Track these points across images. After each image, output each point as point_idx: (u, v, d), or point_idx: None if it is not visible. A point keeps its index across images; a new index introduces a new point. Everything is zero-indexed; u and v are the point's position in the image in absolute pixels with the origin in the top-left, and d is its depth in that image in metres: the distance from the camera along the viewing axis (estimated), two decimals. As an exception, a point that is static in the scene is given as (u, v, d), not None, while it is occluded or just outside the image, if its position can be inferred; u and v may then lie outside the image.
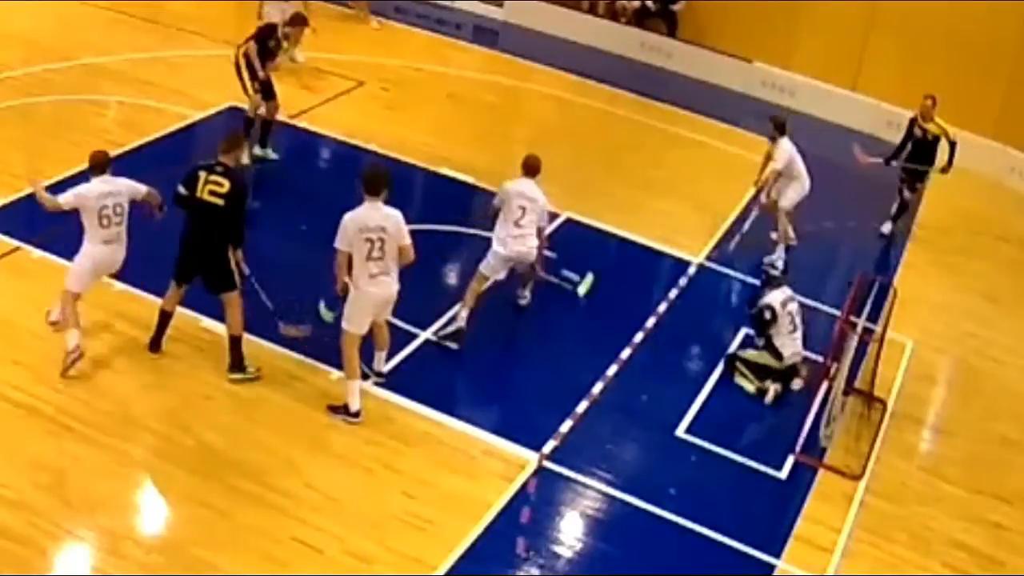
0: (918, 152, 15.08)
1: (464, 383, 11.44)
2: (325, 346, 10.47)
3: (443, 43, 19.95)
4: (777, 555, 9.58)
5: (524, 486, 9.79)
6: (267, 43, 14.20)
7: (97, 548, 8.50)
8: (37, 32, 16.77)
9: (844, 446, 10.99)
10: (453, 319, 11.52)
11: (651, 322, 12.49)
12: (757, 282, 12.51)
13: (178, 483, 9.17)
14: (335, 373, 10.45)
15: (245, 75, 14.10)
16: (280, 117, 14.75)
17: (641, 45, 20.57)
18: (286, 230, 12.68)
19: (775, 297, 11.58)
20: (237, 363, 10.30)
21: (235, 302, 10.17)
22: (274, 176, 14.17)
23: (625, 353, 11.82)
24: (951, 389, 12.88)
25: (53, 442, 9.30)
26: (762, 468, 10.57)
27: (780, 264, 11.72)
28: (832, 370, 11.25)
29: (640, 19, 20.83)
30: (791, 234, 14.25)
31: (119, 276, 10.88)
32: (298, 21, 14.66)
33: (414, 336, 11.32)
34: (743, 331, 12.29)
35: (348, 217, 9.73)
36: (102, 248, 10.13)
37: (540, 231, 11.69)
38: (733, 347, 12.06)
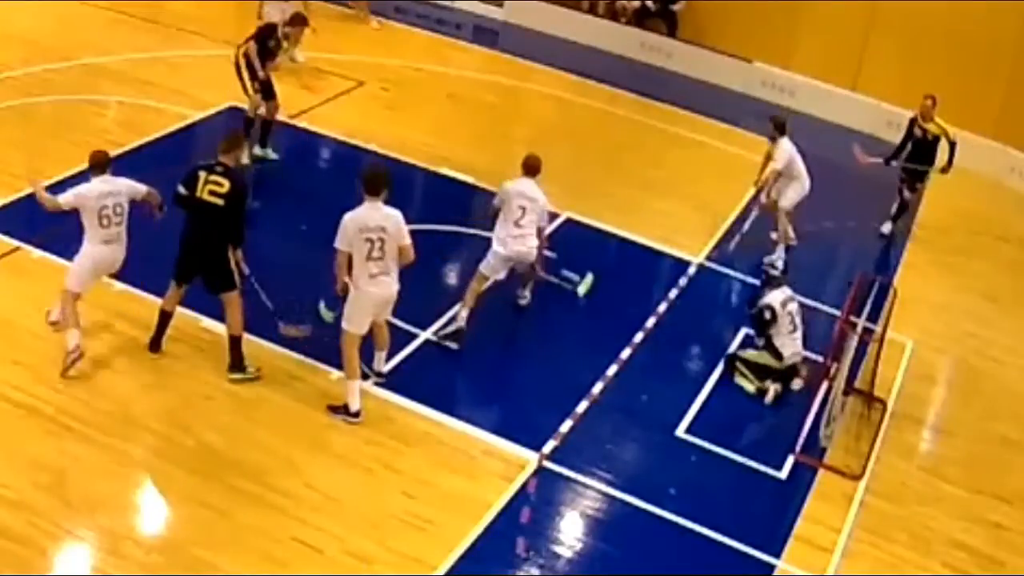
0: (918, 152, 15.09)
1: (464, 383, 11.44)
2: (325, 346, 10.47)
3: (443, 43, 19.96)
4: (777, 555, 9.58)
5: (524, 486, 9.79)
6: (267, 43, 14.21)
7: (97, 548, 8.50)
8: (37, 32, 16.77)
9: (844, 446, 10.99)
10: (453, 319, 11.51)
11: (651, 322, 12.49)
12: (757, 282, 12.51)
13: (178, 483, 9.17)
14: (335, 373, 10.45)
15: (245, 75, 14.10)
16: (280, 117, 14.75)
17: (641, 45, 20.57)
18: (286, 230, 12.68)
19: (775, 297, 11.58)
20: (237, 363, 10.30)
21: (235, 302, 10.17)
22: (274, 176, 14.17)
23: (625, 353, 11.82)
24: (951, 389, 12.88)
25: (53, 442, 9.30)
26: (762, 468, 10.57)
27: (780, 264, 11.74)
28: (832, 370, 11.25)
29: (640, 19, 20.83)
30: (791, 234, 14.25)
31: (119, 276, 10.89)
32: (298, 21, 14.66)
33: (414, 336, 11.32)
34: (743, 331, 12.29)
35: (348, 217, 9.73)
36: (102, 248, 10.13)
37: (540, 231, 11.69)
38: (733, 347, 12.06)
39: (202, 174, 9.88)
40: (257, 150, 14.20)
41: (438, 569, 8.76)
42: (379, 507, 9.27)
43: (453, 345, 11.31)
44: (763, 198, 14.26)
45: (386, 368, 10.61)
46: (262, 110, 14.26)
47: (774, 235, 14.23)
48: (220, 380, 10.27)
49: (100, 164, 10.20)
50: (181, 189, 9.92)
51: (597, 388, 11.19)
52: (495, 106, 17.94)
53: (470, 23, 21.21)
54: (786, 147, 13.89)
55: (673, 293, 13.18)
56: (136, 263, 10.65)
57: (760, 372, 11.51)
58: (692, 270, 13.75)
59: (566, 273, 12.70)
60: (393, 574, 8.68)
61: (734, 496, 10.26)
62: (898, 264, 14.99)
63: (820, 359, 11.69)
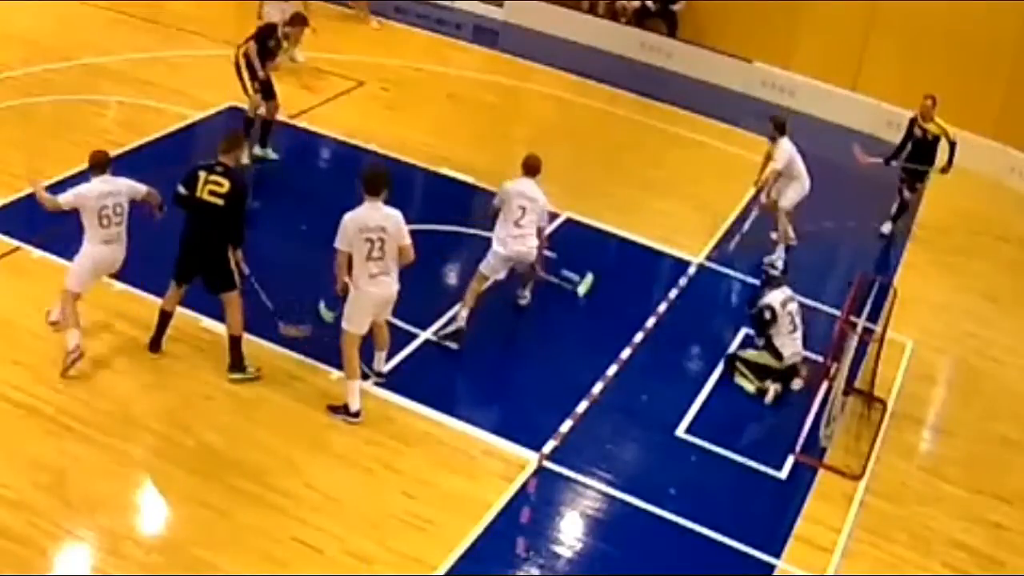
0: (918, 152, 15.08)
1: (464, 383, 11.44)
2: (325, 346, 10.47)
3: (443, 43, 19.96)
4: (777, 555, 9.58)
5: (524, 486, 9.79)
6: (267, 43, 14.21)
7: (97, 548, 8.50)
8: (37, 32, 16.77)
9: (844, 446, 10.99)
10: (453, 319, 11.51)
11: (651, 322, 12.49)
12: (757, 282, 12.51)
13: (178, 483, 9.17)
14: (335, 373, 10.45)
15: (245, 75, 14.10)
16: (280, 117, 14.75)
17: (641, 45, 20.57)
18: (286, 230, 12.69)
19: (775, 297, 11.58)
20: (237, 363, 10.30)
21: (235, 302, 10.17)
22: (274, 176, 14.18)
23: (625, 353, 11.81)
24: (951, 389, 12.88)
25: (53, 442, 9.30)
26: (762, 468, 10.57)
27: (780, 264, 11.77)
28: (832, 370, 11.25)
29: (640, 19, 20.83)
30: (791, 234, 14.25)
31: (119, 276, 10.90)
32: (298, 21, 14.66)
33: (414, 336, 11.32)
34: (743, 331, 12.29)
35: (348, 217, 9.73)
36: (102, 248, 10.13)
37: (540, 231, 11.69)
38: (733, 347, 12.06)
39: (202, 174, 9.88)
40: (257, 150, 14.20)
41: (438, 569, 8.76)
42: (379, 507, 9.26)
43: (453, 345, 11.32)
44: (763, 198, 14.26)
45: (386, 368, 10.62)
46: (262, 110, 14.26)
47: (774, 235, 14.23)
48: (220, 380, 10.27)
49: (100, 164, 10.20)
50: (181, 189, 9.92)
51: (597, 388, 11.19)
52: (495, 106, 17.94)
53: (470, 23, 21.21)
54: (786, 147, 13.89)
55: (673, 293, 13.18)
56: (136, 263, 10.65)
57: (760, 372, 11.51)
58: (692, 270, 13.75)
59: (566, 273, 12.70)
60: (393, 574, 8.68)
61: (734, 496, 10.26)
62: (898, 264, 14.99)
63: (820, 359, 11.69)
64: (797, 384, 11.63)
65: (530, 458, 10.10)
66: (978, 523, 10.41)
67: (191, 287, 10.27)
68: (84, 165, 10.38)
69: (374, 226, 9.68)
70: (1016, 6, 17.66)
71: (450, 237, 13.38)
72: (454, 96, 17.74)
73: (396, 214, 9.78)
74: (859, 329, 11.74)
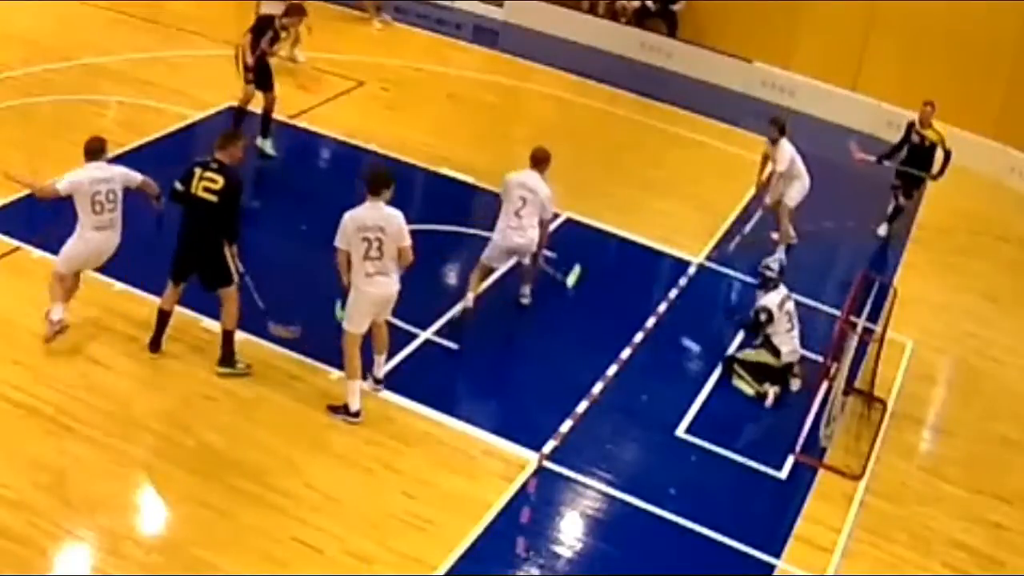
0: (914, 158, 15.06)
1: (464, 383, 11.44)
2: (325, 346, 10.46)
3: (443, 43, 19.96)
4: (777, 555, 9.58)
5: (524, 486, 9.79)
6: (263, 33, 14.19)
7: (97, 548, 8.50)
8: (37, 32, 16.77)
9: (844, 446, 10.99)
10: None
11: (651, 322, 12.49)
12: (757, 282, 12.49)
13: (178, 483, 9.17)
14: (335, 373, 10.45)
15: (241, 67, 14.14)
16: (280, 117, 14.76)
17: (641, 45, 20.57)
18: (286, 230, 12.69)
19: (771, 299, 11.57)
20: (227, 358, 10.33)
21: (232, 297, 10.19)
22: (274, 176, 14.18)
23: (625, 353, 11.81)
24: (951, 389, 12.88)
25: (53, 442, 9.30)
26: (762, 468, 10.57)
27: (776, 266, 11.73)
28: (832, 370, 11.24)
29: (640, 19, 20.83)
30: (791, 233, 14.26)
31: (118, 276, 10.93)
32: (295, 11, 14.65)
33: (414, 336, 11.32)
34: (743, 331, 12.28)
35: (348, 216, 9.75)
36: (95, 234, 10.18)
37: (543, 223, 11.70)
38: (732, 348, 12.04)
39: (197, 170, 9.91)
40: (258, 140, 14.22)
41: (438, 569, 8.76)
42: (379, 507, 9.26)
43: (454, 346, 11.30)
44: (768, 200, 14.27)
45: (382, 373, 10.53)
46: (259, 105, 14.23)
47: (775, 235, 14.24)
48: (220, 380, 10.27)
49: (94, 151, 10.26)
50: (178, 185, 9.95)
51: (597, 388, 11.19)
52: (495, 106, 17.94)
53: (470, 23, 21.21)
54: (787, 148, 13.91)
55: (673, 293, 13.18)
56: (136, 263, 10.67)
57: (759, 372, 11.50)
58: (692, 270, 13.75)
59: (551, 268, 12.62)
60: (393, 574, 8.68)
61: (734, 496, 10.26)
62: (898, 264, 14.99)
63: (820, 359, 11.68)
64: (795, 385, 11.63)
65: (530, 458, 10.10)
66: (978, 523, 10.41)
67: (189, 286, 10.27)
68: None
69: (372, 225, 9.68)
70: (1016, 6, 17.66)
71: (450, 237, 13.38)
72: (454, 96, 17.75)
73: (397, 215, 9.78)
74: (859, 329, 11.74)
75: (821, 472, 10.62)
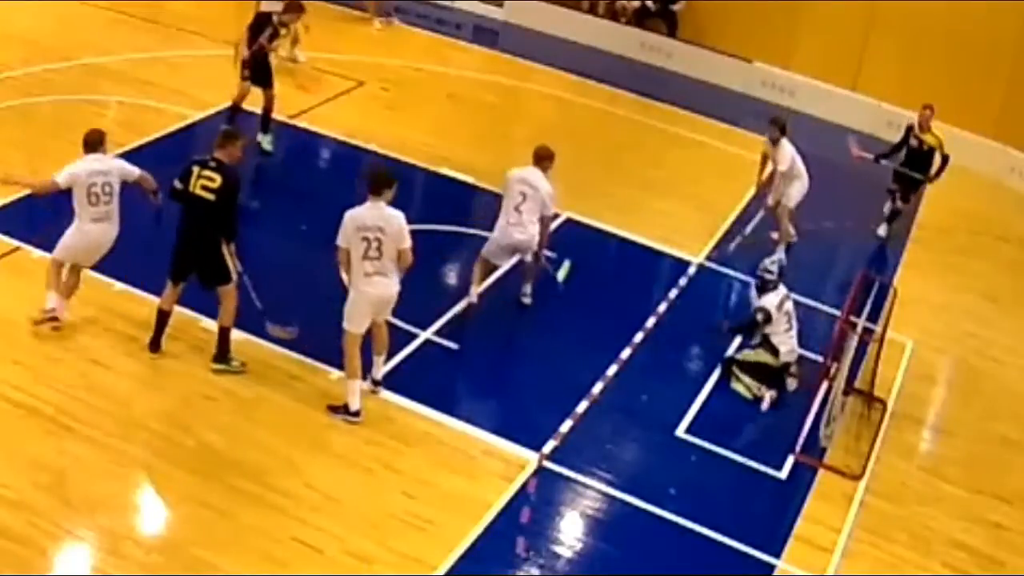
0: (911, 162, 15.05)
1: (464, 383, 11.44)
2: (325, 346, 10.46)
3: (443, 43, 19.96)
4: (777, 555, 9.58)
5: (524, 486, 9.79)
6: (262, 30, 14.20)
7: (97, 548, 8.49)
8: (37, 32, 16.77)
9: (844, 446, 10.98)
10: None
11: (651, 322, 12.49)
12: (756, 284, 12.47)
13: (178, 483, 9.16)
14: (335, 373, 10.45)
15: (238, 64, 14.17)
16: (280, 117, 14.77)
17: (641, 45, 20.58)
18: (285, 230, 12.69)
19: (769, 300, 11.57)
20: (222, 354, 10.34)
21: (230, 295, 10.20)
22: (274, 176, 14.18)
23: (625, 353, 11.81)
24: (951, 389, 12.89)
25: (53, 442, 9.30)
26: (762, 468, 10.57)
27: (775, 268, 11.69)
28: (832, 370, 11.24)
29: (640, 19, 20.84)
30: (792, 232, 14.26)
31: (118, 276, 10.95)
32: (293, 8, 14.66)
33: (414, 336, 11.32)
34: (739, 335, 12.24)
35: (348, 215, 9.76)
36: (92, 226, 10.24)
37: (544, 220, 11.71)
38: (731, 350, 12.02)
39: (196, 169, 9.93)
40: (258, 136, 14.24)
41: (438, 569, 8.76)
42: (379, 507, 9.26)
43: (453, 349, 11.30)
44: (770, 200, 14.27)
45: (381, 374, 10.51)
46: (258, 103, 14.24)
47: (775, 235, 14.25)
48: (220, 380, 10.27)
49: (92, 143, 10.34)
50: (177, 184, 9.97)
51: (597, 388, 11.19)
52: (495, 106, 17.94)
53: (470, 23, 21.22)
54: (788, 149, 13.92)
55: (673, 293, 13.18)
56: (136, 263, 10.67)
57: (757, 372, 11.49)
58: (692, 270, 13.75)
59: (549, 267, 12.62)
60: (393, 574, 8.67)
61: (734, 496, 10.26)
62: (898, 264, 14.99)
63: (820, 359, 11.68)
64: (792, 385, 11.63)
65: (530, 458, 10.10)
66: (978, 523, 10.41)
67: (188, 286, 10.27)
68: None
69: (372, 225, 9.68)
70: (1016, 6, 17.66)
71: (450, 237, 13.38)
72: (454, 96, 17.75)
73: (397, 216, 9.78)
74: (859, 329, 11.74)
75: (821, 472, 10.62)
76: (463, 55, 19.72)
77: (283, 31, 14.69)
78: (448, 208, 14.30)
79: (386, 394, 10.48)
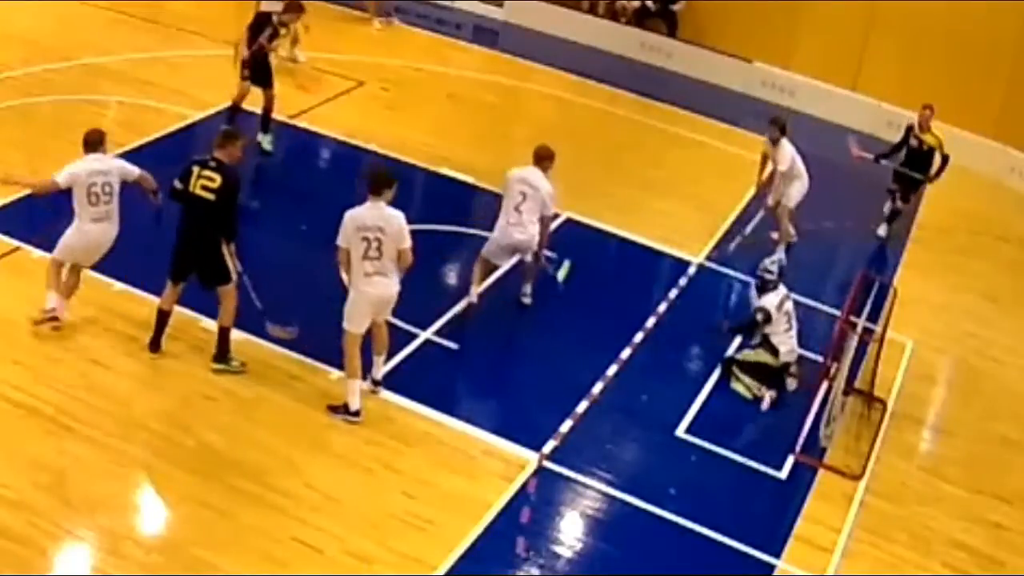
0: (911, 162, 15.05)
1: (464, 383, 11.44)
2: (325, 346, 10.46)
3: (443, 43, 19.96)
4: (777, 555, 9.58)
5: (524, 486, 9.79)
6: (262, 29, 14.21)
7: (97, 548, 8.49)
8: (37, 32, 16.77)
9: (844, 446, 10.98)
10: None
11: (651, 322, 12.49)
12: (756, 284, 12.47)
13: (178, 483, 9.16)
14: (335, 373, 10.45)
15: (238, 64, 14.18)
16: (280, 117, 14.77)
17: (641, 45, 20.58)
18: (285, 230, 12.69)
19: (769, 301, 11.56)
20: (222, 354, 10.35)
21: (230, 295, 10.21)
22: (274, 176, 14.18)
23: (625, 353, 11.81)
24: (951, 389, 12.89)
25: (53, 442, 9.30)
26: (762, 468, 10.57)
27: (775, 269, 11.69)
28: (832, 370, 11.24)
29: (640, 19, 20.84)
30: (792, 231, 14.26)
31: (118, 276, 10.95)
32: (293, 8, 14.66)
33: (414, 336, 11.32)
34: (738, 335, 12.24)
35: (348, 215, 9.77)
36: (92, 226, 10.27)
37: (544, 220, 11.71)
38: (731, 350, 12.02)
39: (196, 169, 9.94)
40: (258, 135, 14.26)
41: (438, 569, 8.76)
42: (379, 507, 9.26)
43: (453, 349, 11.31)
44: (770, 200, 14.28)
45: (381, 374, 10.51)
46: (258, 103, 14.24)
47: (774, 235, 14.25)
48: (220, 380, 10.27)
49: (92, 142, 10.37)
50: (177, 184, 9.98)
51: (597, 388, 11.19)
52: (495, 106, 17.94)
53: (470, 23, 21.22)
54: (788, 149, 13.93)
55: (673, 293, 13.18)
56: (136, 263, 10.67)
57: (757, 372, 11.49)
58: (692, 270, 13.75)
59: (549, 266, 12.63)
60: (393, 574, 8.67)
61: (734, 496, 10.26)
62: (898, 264, 14.99)
63: (820, 359, 11.68)
64: (792, 384, 11.63)
65: (530, 458, 10.10)
66: (978, 523, 10.41)
67: (188, 286, 10.27)
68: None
69: (372, 225, 9.69)
70: (1016, 6, 17.66)
71: (450, 237, 13.38)
72: (454, 96, 17.75)
73: (398, 216, 9.78)
74: (859, 329, 11.74)
75: (821, 472, 10.62)
76: (463, 55, 19.73)
77: (283, 31, 14.70)
78: (448, 208, 14.30)
79: (386, 394, 10.48)
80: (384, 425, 10.14)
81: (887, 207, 15.32)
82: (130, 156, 13.16)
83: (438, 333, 11.47)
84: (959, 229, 16.29)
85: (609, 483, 10.02)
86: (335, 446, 9.85)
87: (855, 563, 9.66)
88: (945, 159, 14.87)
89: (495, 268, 12.17)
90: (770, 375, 11.50)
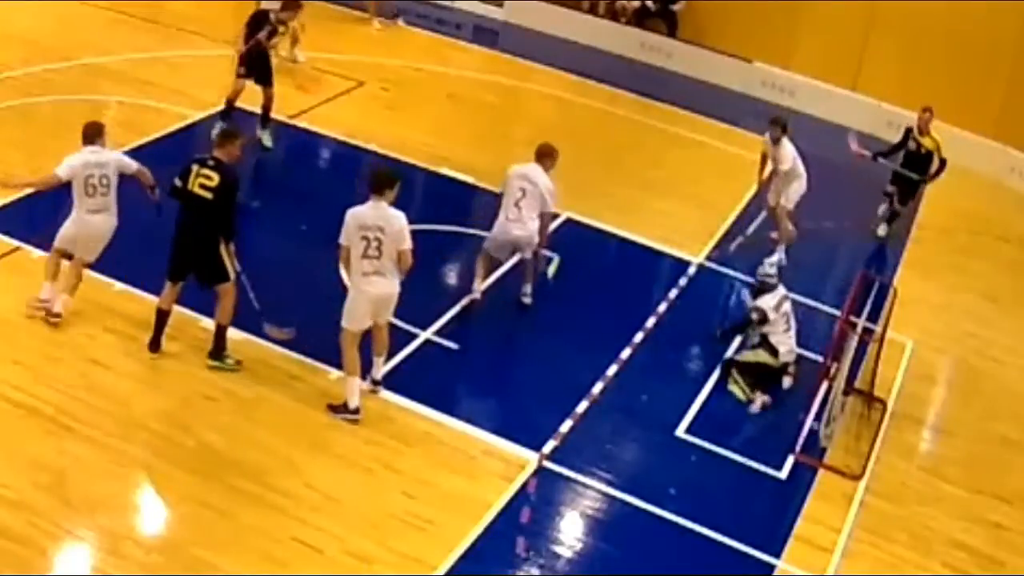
0: (909, 165, 15.05)
1: (464, 383, 11.43)
2: (325, 346, 10.46)
3: (443, 43, 19.96)
4: (777, 555, 9.58)
5: (524, 486, 9.78)
6: (259, 26, 14.22)
7: (97, 548, 8.49)
8: (37, 32, 16.77)
9: (844, 446, 10.98)
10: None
11: (651, 322, 12.49)
12: (755, 287, 12.46)
13: (178, 483, 9.16)
14: (335, 373, 10.45)
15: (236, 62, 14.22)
16: (280, 117, 14.77)
17: (641, 45, 20.58)
18: (285, 230, 12.69)
19: (766, 302, 11.56)
20: (218, 351, 10.36)
21: (228, 293, 10.21)
22: (274, 176, 14.17)
23: (625, 353, 11.81)
24: (951, 389, 12.88)
25: (53, 442, 9.30)
26: (762, 468, 10.56)
27: (773, 271, 11.69)
28: (832, 370, 11.24)
29: (640, 19, 20.84)
30: (791, 229, 14.25)
31: (118, 276, 10.95)
32: (290, 5, 14.66)
33: (414, 336, 11.32)
34: (736, 336, 12.23)
35: (350, 213, 9.80)
36: (89, 217, 10.35)
37: (544, 216, 11.72)
38: (730, 351, 12.01)
39: (195, 167, 9.96)
40: (258, 131, 14.29)
41: (438, 569, 8.76)
42: (379, 507, 9.26)
43: (453, 349, 11.31)
44: (770, 200, 14.27)
45: (381, 374, 10.51)
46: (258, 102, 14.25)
47: (774, 235, 14.25)
48: (220, 380, 10.27)
49: (90, 135, 10.49)
50: (177, 181, 10.01)
51: (597, 388, 11.19)
52: (495, 106, 17.94)
53: (470, 23, 21.22)
54: (790, 148, 13.92)
55: (673, 293, 13.18)
56: (136, 263, 10.66)
57: (757, 372, 11.48)
58: (692, 270, 13.75)
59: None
60: (393, 574, 8.67)
61: (734, 496, 10.26)
62: (898, 264, 14.99)
63: (820, 359, 11.67)
64: (788, 383, 11.63)
65: (530, 458, 10.10)
66: (978, 523, 10.41)
67: (187, 284, 10.27)
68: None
69: (372, 224, 9.70)
70: (1016, 6, 17.66)
71: (450, 237, 13.38)
72: (454, 96, 17.75)
73: (399, 216, 9.78)
74: (859, 329, 11.74)
75: (821, 472, 10.62)
76: (463, 55, 19.73)
77: (281, 28, 14.69)
78: (448, 208, 14.30)
79: (386, 394, 10.48)
80: (384, 425, 10.14)
81: (882, 209, 15.31)
82: (130, 156, 13.18)
83: (438, 333, 11.47)
84: (959, 229, 16.29)
85: (609, 483, 10.02)
86: (335, 446, 9.85)
87: (855, 563, 9.66)
88: (943, 162, 14.87)
89: (498, 264, 12.18)
90: (770, 375, 11.50)
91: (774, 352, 11.50)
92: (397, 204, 9.90)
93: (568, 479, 10.00)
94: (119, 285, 11.14)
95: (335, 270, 10.07)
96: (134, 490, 9.14)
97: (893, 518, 10.25)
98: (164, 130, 14.50)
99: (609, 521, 9.71)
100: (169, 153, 13.68)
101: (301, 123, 15.52)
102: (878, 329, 11.98)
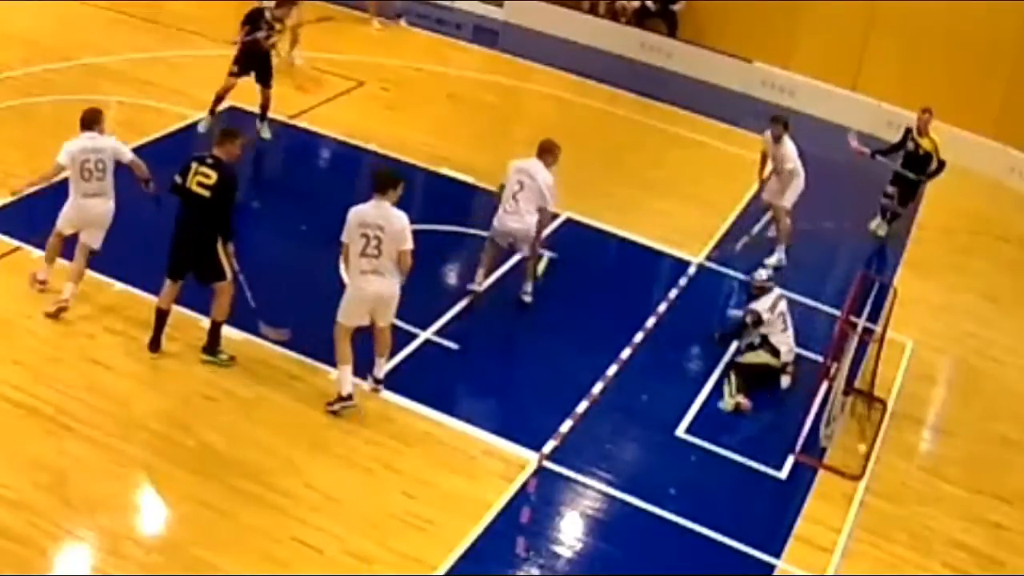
0: (908, 166, 15.05)
1: (464, 383, 11.42)
2: (325, 346, 10.45)
3: (443, 43, 19.96)
4: (777, 555, 9.58)
5: (524, 486, 9.78)
6: (255, 24, 14.23)
7: (97, 548, 8.49)
8: (37, 32, 16.77)
9: (844, 446, 10.98)
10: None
11: (651, 322, 12.49)
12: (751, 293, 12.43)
13: (178, 483, 9.16)
14: (335, 373, 10.44)
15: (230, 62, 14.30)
16: (280, 117, 14.77)
17: (641, 45, 20.57)
18: (285, 229, 12.69)
19: (762, 304, 11.58)
20: (212, 347, 10.38)
21: (225, 291, 10.24)
22: (274, 176, 14.17)
23: (625, 353, 11.81)
24: (951, 389, 12.88)
25: (53, 442, 9.30)
26: (762, 468, 10.56)
27: (766, 275, 11.70)
28: (832, 370, 11.24)
29: (640, 19, 20.83)
30: (790, 229, 14.24)
31: (118, 276, 10.97)
32: (284, 2, 14.66)
33: (414, 336, 11.32)
34: (734, 340, 12.22)
35: (352, 211, 9.84)
36: (85, 201, 10.51)
37: (543, 213, 11.75)
38: (730, 352, 11.99)
39: (194, 165, 10.00)
40: (257, 123, 14.39)
41: (438, 569, 8.76)
42: (379, 507, 9.26)
43: (453, 349, 11.32)
44: (766, 198, 14.27)
45: (382, 374, 10.51)
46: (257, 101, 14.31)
47: (771, 234, 14.25)
48: (220, 380, 10.27)
49: (88, 121, 10.68)
50: (176, 178, 10.04)
51: (597, 388, 11.19)
52: (495, 106, 17.94)
53: (470, 23, 21.22)
54: (792, 146, 13.92)
55: (673, 293, 13.18)
56: (136, 263, 10.66)
57: (758, 373, 11.47)
58: (692, 270, 13.75)
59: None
60: (393, 574, 8.68)
61: (734, 496, 10.26)
62: (898, 264, 14.99)
63: (820, 359, 11.67)
64: (786, 382, 11.63)
65: (530, 458, 10.10)
66: (978, 523, 10.41)
67: (186, 284, 10.27)
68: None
69: (372, 223, 9.71)
70: (1016, 6, 17.66)
71: (450, 237, 13.38)
72: (454, 96, 17.75)
73: (400, 217, 9.79)
74: (859, 329, 11.74)
75: (821, 472, 10.62)
76: (463, 55, 19.72)
77: (278, 26, 14.68)
78: (448, 208, 14.30)
79: (386, 394, 10.48)
80: (384, 425, 10.14)
81: (879, 211, 15.31)
82: (130, 156, 13.23)
83: (438, 333, 11.47)
84: (959, 229, 16.29)
85: (609, 483, 10.02)
86: (335, 446, 9.85)
87: (855, 563, 9.66)
88: (941, 164, 14.87)
89: (501, 261, 12.15)
90: (770, 375, 11.50)
91: (775, 352, 11.50)
92: (397, 203, 9.90)
93: (568, 479, 10.00)
94: (119, 285, 11.14)
95: (335, 270, 10.08)
96: (134, 490, 9.15)
97: (893, 518, 10.25)
98: (164, 130, 14.50)
99: (609, 521, 9.71)
100: (169, 153, 13.65)
101: (301, 123, 15.52)
102: (878, 329, 11.98)
